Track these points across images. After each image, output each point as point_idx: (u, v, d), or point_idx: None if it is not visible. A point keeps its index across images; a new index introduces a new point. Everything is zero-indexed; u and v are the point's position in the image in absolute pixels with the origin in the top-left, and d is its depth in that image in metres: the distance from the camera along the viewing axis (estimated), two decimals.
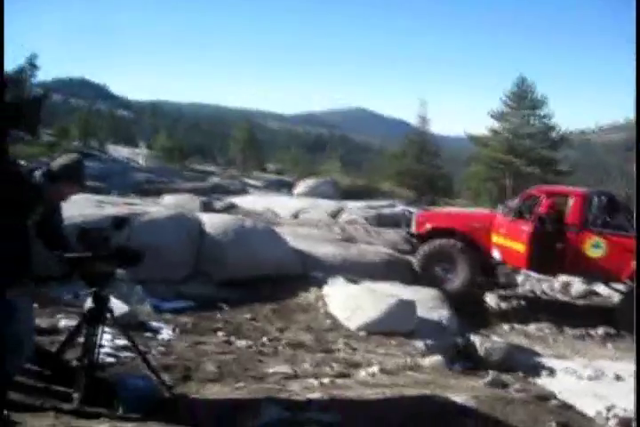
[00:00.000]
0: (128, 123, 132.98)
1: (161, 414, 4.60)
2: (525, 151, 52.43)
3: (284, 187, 28.64)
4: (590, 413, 6.38)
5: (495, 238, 12.19)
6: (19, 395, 4.32)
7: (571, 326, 11.44)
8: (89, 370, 4.63)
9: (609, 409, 6.59)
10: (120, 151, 56.97)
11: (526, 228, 11.50)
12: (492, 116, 54.66)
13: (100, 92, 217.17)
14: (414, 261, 13.12)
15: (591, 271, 11.98)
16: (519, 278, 15.14)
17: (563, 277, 14.26)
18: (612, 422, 6.25)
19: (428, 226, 13.17)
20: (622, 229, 11.77)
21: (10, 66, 27.93)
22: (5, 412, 3.96)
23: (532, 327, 11.32)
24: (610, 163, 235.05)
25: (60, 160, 4.57)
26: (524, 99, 53.15)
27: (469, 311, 11.36)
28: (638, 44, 5.79)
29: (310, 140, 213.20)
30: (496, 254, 12.29)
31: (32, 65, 25.48)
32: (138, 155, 55.01)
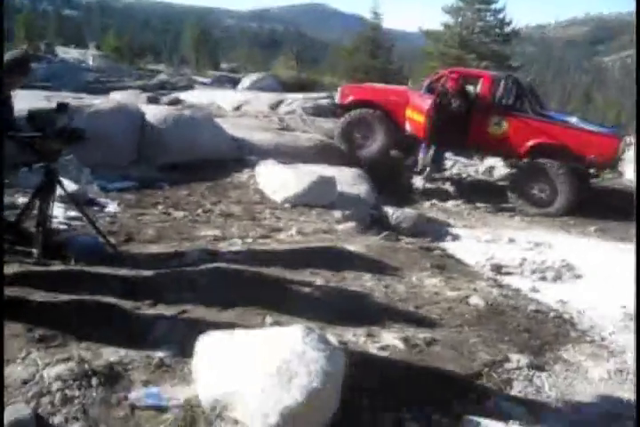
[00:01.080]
0: (76, 23, 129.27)
1: (104, 264, 5.66)
2: (477, 46, 52.64)
3: (232, 83, 28.94)
4: (470, 262, 7.62)
5: (407, 112, 13.07)
6: None
7: (486, 203, 12.64)
8: (45, 232, 5.67)
9: (488, 260, 7.78)
10: (70, 53, 55.67)
11: (428, 101, 12.46)
12: (446, 12, 54.59)
13: None
14: (336, 128, 14.24)
15: (492, 148, 13.09)
16: (448, 163, 16.26)
17: (488, 161, 15.41)
18: (487, 267, 7.47)
19: (351, 98, 14.05)
20: (524, 111, 12.90)
21: None
22: None
23: (450, 204, 12.45)
24: (567, 57, 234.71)
25: (7, 55, 5.48)
26: None
27: (395, 191, 12.46)
28: (638, 44, 6.04)
29: (265, 36, 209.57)
30: (407, 127, 13.21)
31: None
32: (88, 55, 54.20)
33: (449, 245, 8.78)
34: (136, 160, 10.53)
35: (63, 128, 5.75)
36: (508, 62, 53.57)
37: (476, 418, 3.50)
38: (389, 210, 9.57)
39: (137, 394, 3.34)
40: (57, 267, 5.36)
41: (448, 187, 14.04)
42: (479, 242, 9.26)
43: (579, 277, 7.53)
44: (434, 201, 12.48)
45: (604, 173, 13.16)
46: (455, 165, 16.00)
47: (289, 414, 2.96)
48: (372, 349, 4.27)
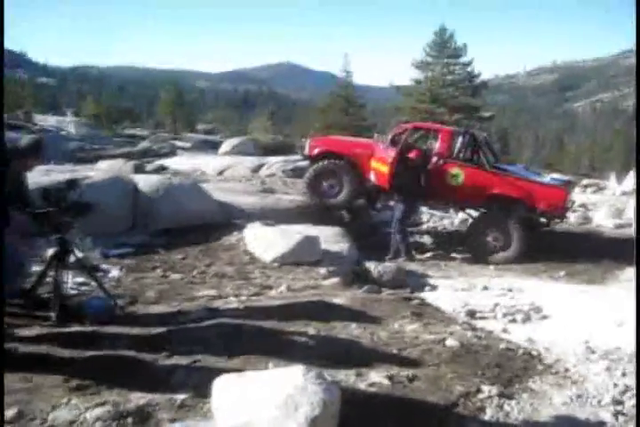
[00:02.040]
0: (52, 90, 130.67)
1: (116, 323, 6.32)
2: (448, 99, 53.99)
3: (211, 147, 29.79)
4: (447, 309, 8.29)
5: (372, 163, 13.85)
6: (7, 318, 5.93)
7: (461, 254, 13.39)
8: (61, 297, 6.33)
9: (463, 306, 8.45)
10: (48, 120, 56.45)
11: (392, 153, 13.28)
12: (415, 67, 56.05)
13: (18, 60, 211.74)
14: (304, 178, 15.00)
15: (450, 198, 13.90)
16: (424, 217, 17.06)
17: (461, 215, 16.22)
18: (462, 313, 8.14)
19: (318, 149, 14.92)
20: (479, 163, 13.79)
21: None
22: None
23: (427, 256, 13.24)
24: (538, 105, 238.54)
25: (25, 140, 6.22)
26: (445, 48, 54.31)
27: (374, 246, 13.17)
28: (638, 44, 6.45)
29: (239, 97, 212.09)
30: (372, 177, 13.97)
31: None
32: (67, 123, 54.91)
33: (427, 295, 9.38)
34: (131, 227, 11.26)
35: (75, 203, 6.49)
36: (478, 114, 55.02)
37: None
38: (371, 265, 10.22)
39: None
40: (75, 328, 6.00)
41: (425, 239, 14.77)
42: (455, 291, 9.85)
43: (545, 317, 8.18)
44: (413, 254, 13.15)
45: (553, 223, 13.95)
46: (431, 218, 16.80)
47: None
48: (361, 385, 4.92)
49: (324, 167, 14.49)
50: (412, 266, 11.96)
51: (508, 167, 14.66)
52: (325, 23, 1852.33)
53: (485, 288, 10.01)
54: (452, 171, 13.42)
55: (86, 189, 10.30)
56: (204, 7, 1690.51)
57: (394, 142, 13.66)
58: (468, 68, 54.80)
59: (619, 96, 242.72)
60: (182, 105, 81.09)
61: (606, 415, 4.95)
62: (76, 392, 4.41)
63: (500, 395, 5.06)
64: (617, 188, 25.83)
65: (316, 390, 3.84)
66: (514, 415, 4.79)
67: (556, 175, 17.63)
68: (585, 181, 33.03)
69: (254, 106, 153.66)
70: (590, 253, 13.36)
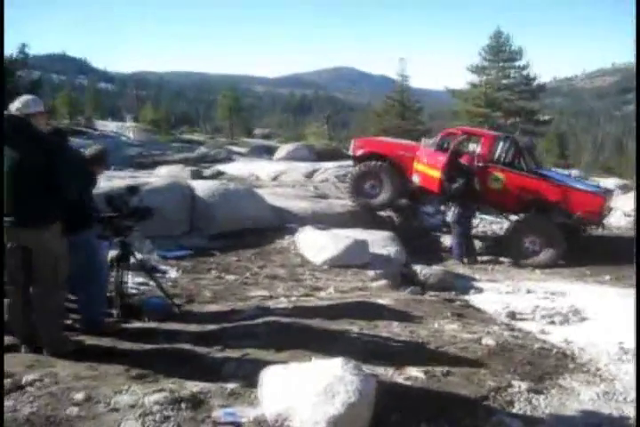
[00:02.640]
0: (112, 96, 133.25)
1: (174, 320, 6.80)
2: (503, 103, 53.81)
3: (267, 152, 30.34)
4: (488, 310, 8.62)
5: (417, 166, 14.33)
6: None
7: (509, 258, 13.65)
8: (122, 296, 6.84)
9: (504, 308, 8.76)
10: (108, 126, 57.67)
11: (442, 158, 13.65)
12: (471, 71, 56.00)
13: (80, 67, 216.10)
14: (347, 179, 15.56)
15: (491, 202, 14.30)
16: (475, 221, 17.32)
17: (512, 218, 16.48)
18: (503, 314, 8.45)
19: (363, 150, 15.47)
20: (520, 168, 14.16)
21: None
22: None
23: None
24: (597, 108, 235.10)
25: (91, 150, 6.75)
26: (501, 51, 54.13)
27: (426, 250, 13.53)
28: (638, 44, 6.37)
29: (295, 101, 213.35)
30: (416, 179, 14.46)
31: (24, 54, 26.61)
32: (126, 128, 56.03)
33: (471, 297, 9.76)
34: (189, 231, 11.81)
35: (136, 208, 7.01)
36: (536, 117, 54.66)
37: None
38: (418, 268, 10.61)
39: (217, 413, 4.39)
40: (136, 324, 6.49)
41: (475, 244, 15.05)
42: (500, 293, 10.19)
43: (584, 319, 8.47)
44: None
45: (590, 228, 14.17)
46: (481, 222, 17.05)
47: (333, 422, 3.98)
48: (399, 379, 5.29)
49: (365, 168, 14.99)
50: (460, 269, 12.30)
51: (548, 173, 15.00)
52: (382, 26, 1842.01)
53: (529, 291, 10.31)
54: (493, 175, 13.81)
55: (147, 195, 10.91)
56: (260, 9, 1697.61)
57: (440, 147, 13.95)
58: (525, 72, 54.52)
59: None
60: (240, 110, 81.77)
61: (630, 411, 5.24)
62: (136, 380, 4.86)
63: (530, 390, 5.38)
64: None
65: (353, 380, 4.22)
66: (541, 409, 5.11)
67: (595, 182, 17.65)
68: None
69: (311, 110, 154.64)
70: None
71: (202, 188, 12.63)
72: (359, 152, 15.51)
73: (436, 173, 13.67)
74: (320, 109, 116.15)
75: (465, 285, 10.83)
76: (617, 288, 11.04)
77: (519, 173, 13.94)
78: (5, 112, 5.24)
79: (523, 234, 13.55)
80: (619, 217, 19.07)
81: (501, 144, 14.47)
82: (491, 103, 52.95)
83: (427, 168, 13.98)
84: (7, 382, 4.68)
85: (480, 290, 10.50)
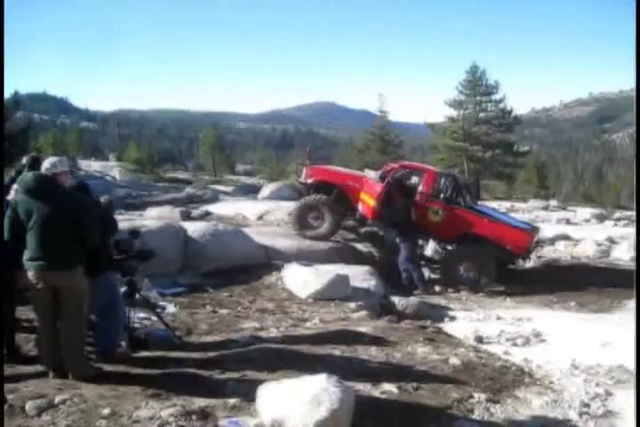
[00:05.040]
0: (94, 135, 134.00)
1: (178, 350, 7.69)
2: (481, 136, 54.94)
3: (252, 191, 31.15)
4: (459, 336, 9.53)
5: (362, 195, 15.27)
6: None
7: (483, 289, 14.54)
8: (130, 329, 7.71)
9: (472, 333, 9.63)
10: (91, 165, 58.07)
11: (378, 188, 14.61)
12: (448, 105, 57.19)
13: (62, 106, 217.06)
14: (290, 211, 16.81)
15: (430, 232, 15.45)
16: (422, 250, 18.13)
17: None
18: (471, 339, 9.33)
19: (313, 178, 16.43)
20: (458, 203, 15.33)
21: None
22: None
23: (451, 291, 14.44)
24: (576, 137, 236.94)
25: (103, 200, 7.67)
26: (477, 86, 55.37)
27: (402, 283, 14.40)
28: (638, 44, 6.80)
29: (277, 137, 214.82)
30: (360, 208, 15.46)
31: (15, 100, 27.43)
32: (110, 168, 56.61)
33: (444, 325, 10.60)
34: (182, 269, 12.66)
35: (140, 250, 7.92)
36: (514, 149, 55.74)
37: None
38: (396, 299, 11.49)
39: (223, 422, 5.27)
40: (144, 353, 7.38)
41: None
42: (471, 321, 11.03)
43: (543, 341, 9.35)
44: (437, 289, 14.38)
45: (517, 260, 15.67)
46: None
47: (320, 424, 4.88)
48: (375, 393, 6.19)
49: (308, 203, 15.98)
50: (436, 300, 13.13)
51: (484, 209, 16.35)
52: (362, 62, 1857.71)
53: (499, 318, 11.18)
54: (433, 208, 15.00)
55: (143, 236, 11.79)
56: (239, 45, 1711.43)
57: (382, 179, 15.03)
58: (501, 105, 55.75)
59: None
60: (222, 148, 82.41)
61: (573, 415, 6.19)
62: (152, 398, 5.74)
63: (488, 400, 6.30)
64: None
65: (336, 391, 5.14)
66: (497, 415, 6.03)
67: (526, 220, 18.82)
68: (617, 214, 33.94)
69: (292, 145, 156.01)
70: (604, 284, 14.54)
71: (193, 229, 13.52)
72: (310, 180, 16.43)
73: (372, 202, 14.65)
74: (301, 144, 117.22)
75: (440, 313, 11.63)
76: (580, 313, 11.97)
77: (457, 208, 15.13)
78: (35, 172, 6.23)
79: (457, 261, 14.77)
80: (589, 246, 20.04)
81: (442, 180, 15.57)
82: (468, 137, 53.99)
83: (367, 197, 14.98)
84: (42, 401, 5.54)
85: (453, 318, 11.33)
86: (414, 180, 15.46)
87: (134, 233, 8.19)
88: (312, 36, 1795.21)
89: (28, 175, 6.16)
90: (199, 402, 5.67)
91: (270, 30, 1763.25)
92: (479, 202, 18.11)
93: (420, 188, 15.17)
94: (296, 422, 4.96)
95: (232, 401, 5.72)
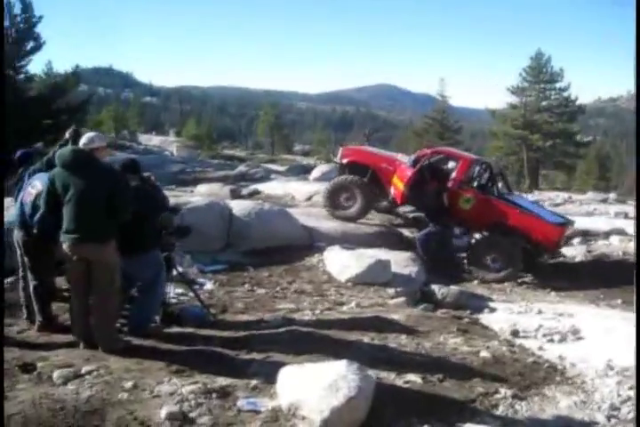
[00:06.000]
0: (156, 110, 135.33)
1: (209, 327, 7.73)
2: (542, 125, 54.07)
3: (305, 172, 31.08)
4: (494, 328, 9.41)
5: (394, 179, 15.04)
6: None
7: (528, 281, 14.33)
8: (164, 305, 7.78)
9: (510, 326, 9.51)
10: (152, 140, 58.77)
11: (409, 173, 14.46)
12: (511, 92, 56.41)
13: (126, 81, 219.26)
14: (323, 191, 16.62)
15: (460, 220, 15.15)
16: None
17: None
18: (507, 332, 9.21)
19: (348, 158, 16.32)
20: (490, 192, 15.16)
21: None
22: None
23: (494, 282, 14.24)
24: None
25: (122, 160, 7.64)
26: (541, 73, 54.49)
27: (450, 271, 14.24)
28: (638, 43, 6.72)
29: (337, 118, 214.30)
30: (391, 192, 15.20)
31: (77, 75, 27.70)
32: (169, 143, 57.19)
33: (483, 316, 10.46)
34: (225, 247, 12.72)
35: (178, 227, 7.96)
36: (575, 139, 54.68)
37: (463, 425, 5.33)
38: (436, 287, 11.38)
39: (241, 402, 5.29)
40: (176, 329, 7.44)
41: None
42: (511, 313, 10.83)
43: (580, 338, 9.15)
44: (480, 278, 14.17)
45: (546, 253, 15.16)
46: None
47: (336, 411, 4.86)
48: (399, 382, 6.14)
49: (340, 183, 15.89)
50: (479, 290, 12.94)
51: (517, 200, 15.87)
52: (424, 44, 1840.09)
53: (540, 312, 10.93)
54: (464, 196, 14.72)
55: (188, 213, 11.88)
56: (302, 26, 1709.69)
57: (414, 163, 14.84)
58: (565, 93, 54.71)
59: None
60: (280, 127, 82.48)
61: (601, 417, 6.05)
62: (175, 374, 5.80)
63: (514, 396, 6.20)
64: None
65: (354, 378, 5.11)
66: (521, 413, 5.93)
67: (561, 213, 18.33)
68: None
69: (352, 127, 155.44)
70: None
71: (238, 207, 13.58)
72: (345, 160, 16.33)
73: (402, 186, 14.50)
74: (361, 126, 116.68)
75: (480, 304, 11.47)
76: (624, 312, 11.65)
77: (488, 197, 14.87)
78: (72, 147, 6.30)
79: (484, 251, 14.40)
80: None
81: (477, 168, 15.42)
82: (529, 125, 53.29)
83: (398, 181, 14.80)
84: (69, 370, 5.67)
85: (493, 309, 11.15)
86: (449, 166, 15.26)
87: (174, 210, 8.27)
88: (375, 18, 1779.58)
89: (65, 150, 6.24)
90: (221, 381, 5.71)
91: (333, 12, 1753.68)
92: (518, 193, 17.74)
93: (454, 174, 14.94)
94: (312, 407, 4.94)
95: (254, 382, 5.74)
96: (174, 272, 8.10)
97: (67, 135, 7.33)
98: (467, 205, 14.68)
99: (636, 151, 10.75)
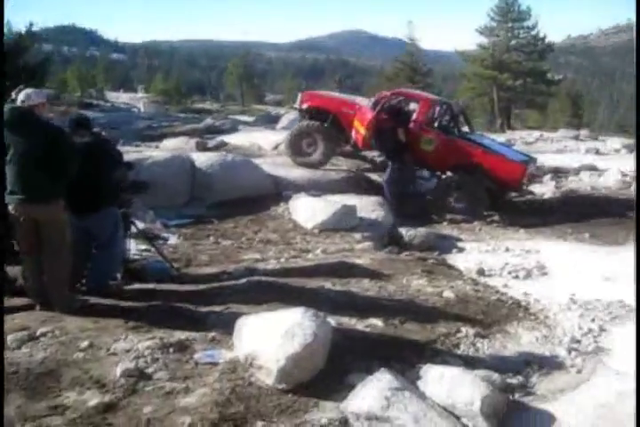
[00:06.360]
0: (123, 67, 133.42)
1: (172, 282, 7.66)
2: (512, 64, 53.92)
3: (273, 121, 30.77)
4: (460, 268, 9.41)
5: (355, 123, 14.81)
6: None
7: (497, 219, 14.29)
8: (125, 261, 7.68)
9: (477, 265, 9.51)
10: (120, 97, 58.03)
11: (369, 116, 14.32)
12: (479, 32, 56.09)
13: (91, 38, 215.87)
14: (284, 138, 16.61)
15: (423, 162, 15.08)
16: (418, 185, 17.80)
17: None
18: (473, 271, 9.22)
19: (307, 104, 16.10)
20: (452, 132, 15.16)
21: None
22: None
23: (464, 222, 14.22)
24: (613, 66, 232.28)
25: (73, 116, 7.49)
26: (509, 11, 54.23)
27: (419, 213, 14.18)
28: (638, 42, 7.25)
29: (307, 66, 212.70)
30: (353, 135, 15.02)
31: (31, 33, 27.16)
32: (138, 100, 56.48)
33: (451, 256, 10.49)
34: (189, 200, 12.60)
35: (133, 182, 7.82)
36: (546, 77, 54.68)
37: (424, 365, 5.30)
38: (403, 230, 11.34)
39: (199, 355, 5.23)
40: (137, 285, 7.35)
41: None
42: (480, 252, 10.86)
43: (545, 274, 9.22)
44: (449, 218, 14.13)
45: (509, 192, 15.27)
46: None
47: (292, 358, 4.80)
48: (360, 326, 6.12)
49: (301, 129, 15.77)
50: (447, 230, 12.93)
51: (478, 139, 15.78)
52: None
53: (507, 250, 10.98)
54: (426, 137, 14.61)
55: (149, 168, 11.76)
56: None
57: (374, 106, 14.72)
58: (533, 32, 54.52)
59: None
60: (250, 78, 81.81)
61: (561, 351, 6.08)
62: (132, 330, 5.72)
63: (476, 335, 6.22)
64: None
65: (310, 325, 5.04)
66: (482, 350, 5.96)
67: (524, 151, 18.35)
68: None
69: (323, 74, 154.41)
70: (622, 216, 14.20)
71: (201, 160, 13.37)
72: (304, 106, 16.10)
73: (363, 130, 14.34)
74: (332, 74, 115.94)
75: (449, 244, 11.48)
76: (591, 246, 11.70)
77: (450, 138, 14.81)
78: (10, 105, 6.09)
79: (447, 191, 14.41)
80: (612, 177, 19.57)
81: (437, 108, 15.31)
82: (498, 65, 53.09)
83: (359, 125, 14.60)
84: (23, 334, 5.57)
85: (461, 249, 11.17)
86: (410, 107, 15.13)
87: (128, 165, 8.08)
88: None
89: (5, 108, 6.04)
90: (179, 335, 5.64)
91: None
92: (480, 133, 17.62)
93: (414, 116, 14.79)
94: (269, 356, 4.89)
95: (212, 334, 5.70)
96: (133, 228, 7.98)
97: (12, 95, 7.11)
98: (429, 146, 14.55)
99: (635, 132, 10.70)
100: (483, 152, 14.38)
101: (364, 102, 15.64)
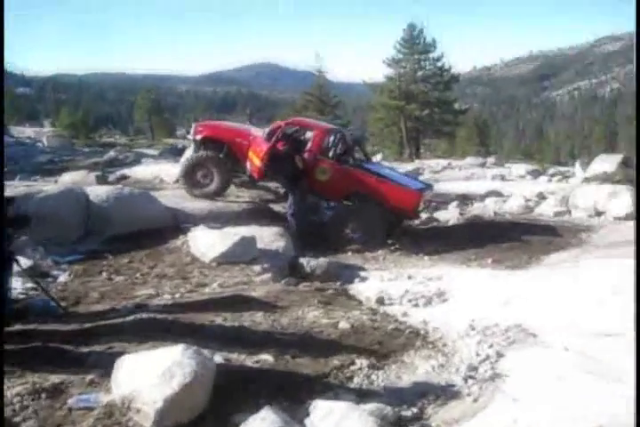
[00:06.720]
0: (30, 100, 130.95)
1: (56, 321, 7.27)
2: (419, 95, 55.04)
3: (179, 154, 30.46)
4: (361, 298, 9.26)
5: (249, 154, 14.78)
6: None
7: (401, 247, 14.24)
8: (4, 301, 7.26)
9: (376, 294, 9.36)
10: (24, 132, 56.74)
11: (265, 147, 14.21)
12: (387, 64, 57.13)
13: None
14: (179, 168, 16.41)
15: (318, 191, 14.99)
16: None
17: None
18: (372, 300, 9.06)
19: (202, 134, 15.97)
20: (345, 161, 15.12)
21: None
22: None
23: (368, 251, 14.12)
24: (517, 95, 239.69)
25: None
26: (415, 44, 55.44)
27: (323, 243, 14.01)
28: (638, 42, 7.26)
29: (219, 99, 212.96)
30: (248, 166, 14.96)
31: None
32: (44, 134, 55.31)
33: (353, 286, 10.28)
34: (84, 235, 12.12)
35: (13, 217, 7.42)
36: (453, 107, 56.04)
37: (314, 401, 5.09)
38: (304, 260, 11.15)
39: (72, 400, 4.91)
40: (16, 327, 6.94)
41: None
42: (382, 281, 10.69)
43: (445, 301, 9.10)
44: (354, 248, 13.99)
45: (406, 219, 15.48)
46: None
47: (170, 400, 4.55)
48: (249, 362, 5.88)
49: (196, 159, 15.55)
50: (351, 260, 12.80)
51: (373, 167, 15.89)
52: (301, 21, 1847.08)
53: (410, 277, 10.84)
54: (321, 167, 14.59)
55: (40, 202, 11.34)
56: (175, 7, 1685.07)
57: (269, 136, 14.57)
58: (439, 63, 55.93)
59: (596, 83, 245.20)
60: (160, 111, 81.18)
61: (458, 379, 5.93)
62: (5, 376, 5.35)
63: (371, 366, 6.03)
64: (581, 175, 26.27)
65: (190, 363, 4.79)
66: (377, 382, 5.77)
67: (420, 179, 18.70)
68: (552, 170, 33.98)
69: (234, 107, 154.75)
70: (523, 240, 14.39)
71: (96, 193, 12.90)
72: (198, 136, 15.96)
73: (258, 162, 14.24)
74: (243, 107, 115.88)
75: (351, 274, 11.30)
76: (494, 270, 11.73)
77: (344, 167, 14.76)
78: None
79: (342, 221, 14.30)
80: (515, 202, 19.86)
81: (331, 138, 15.28)
82: (405, 95, 54.07)
83: (253, 156, 14.54)
84: None
85: (364, 278, 11.00)
86: (305, 136, 15.09)
87: (8, 200, 7.67)
88: None
89: None
90: (54, 378, 5.31)
91: None
92: (377, 161, 17.65)
93: (309, 145, 14.74)
94: (146, 398, 4.62)
95: (90, 376, 5.38)
96: (16, 267, 7.57)
97: None
98: (323, 175, 14.48)
99: (636, 141, 10.82)
100: (377, 180, 14.38)
101: (258, 133, 15.48)
